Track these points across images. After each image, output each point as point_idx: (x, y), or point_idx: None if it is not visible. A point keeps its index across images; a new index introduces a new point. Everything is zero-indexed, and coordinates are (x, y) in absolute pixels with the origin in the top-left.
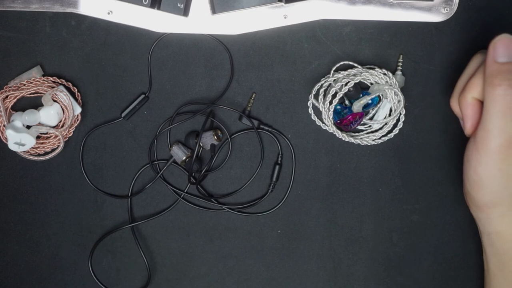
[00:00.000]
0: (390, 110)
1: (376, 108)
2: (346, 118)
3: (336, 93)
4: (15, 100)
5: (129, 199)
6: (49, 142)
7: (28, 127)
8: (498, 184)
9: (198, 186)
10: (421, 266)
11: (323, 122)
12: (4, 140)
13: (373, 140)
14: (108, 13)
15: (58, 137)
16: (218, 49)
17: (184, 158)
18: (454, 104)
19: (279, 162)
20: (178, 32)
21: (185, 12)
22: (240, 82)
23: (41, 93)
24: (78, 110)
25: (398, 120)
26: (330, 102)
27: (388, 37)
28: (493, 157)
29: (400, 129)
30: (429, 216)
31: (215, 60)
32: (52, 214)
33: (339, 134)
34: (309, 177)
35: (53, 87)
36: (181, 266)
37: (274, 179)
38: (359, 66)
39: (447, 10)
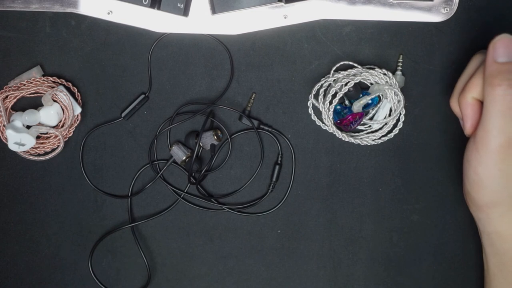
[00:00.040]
0: (390, 110)
1: (376, 108)
2: (346, 118)
3: (336, 93)
4: (15, 100)
5: (129, 199)
6: (49, 142)
7: (28, 127)
8: (498, 184)
9: (198, 186)
10: (421, 266)
11: (323, 122)
12: (4, 140)
13: (373, 140)
14: (108, 13)
15: (58, 137)
16: (218, 49)
17: (184, 158)
18: (454, 104)
19: (279, 162)
20: (178, 32)
21: (185, 12)
22: (240, 82)
23: (41, 93)
24: (78, 110)
25: (398, 120)
26: (330, 102)
27: (388, 37)
28: (493, 157)
29: (400, 129)
30: (429, 216)
31: (215, 60)
32: (52, 214)
33: (339, 134)
34: (309, 177)
35: (53, 87)
36: (181, 266)
37: (274, 179)
38: (359, 66)
39: (447, 10)
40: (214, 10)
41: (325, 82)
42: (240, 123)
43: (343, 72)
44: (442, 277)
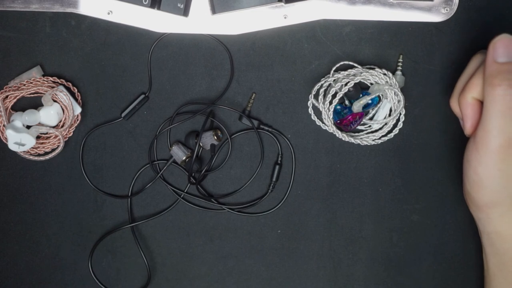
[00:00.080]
0: (390, 110)
1: (376, 108)
2: (346, 118)
3: (336, 93)
4: (15, 100)
5: (129, 199)
6: (49, 142)
7: (28, 127)
8: (498, 184)
9: (198, 186)
10: (421, 266)
11: (323, 122)
12: (4, 140)
13: (373, 140)
14: (108, 13)
15: (58, 137)
16: (218, 49)
17: (184, 158)
18: (454, 104)
19: (279, 162)
20: (178, 32)
21: (185, 12)
22: (240, 82)
23: (41, 93)
24: (78, 110)
25: (398, 120)
26: (330, 102)
27: (388, 37)
28: (493, 157)
29: (400, 129)
30: (429, 216)
31: (215, 60)
32: (52, 214)
33: (339, 134)
34: (309, 177)
35: (53, 87)
36: (181, 266)
37: (274, 179)
38: (359, 66)
39: (447, 10)
40: (214, 10)
41: (325, 82)
42: (240, 123)
43: (343, 72)
44: (442, 277)
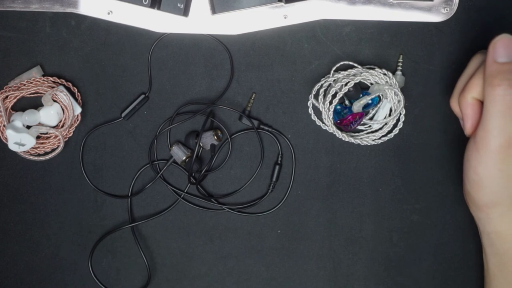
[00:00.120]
0: (390, 110)
1: (376, 108)
2: (346, 118)
3: (336, 93)
4: (15, 100)
5: (129, 199)
6: (49, 142)
7: (28, 127)
8: (498, 184)
9: (198, 186)
10: (421, 266)
11: (323, 122)
12: (4, 140)
13: (373, 140)
14: (108, 13)
15: (58, 137)
16: (218, 49)
17: (184, 158)
18: (454, 104)
19: (279, 162)
20: (178, 32)
21: (185, 12)
22: (240, 82)
23: (41, 93)
24: (78, 110)
25: (398, 120)
26: (330, 102)
27: (388, 37)
28: (493, 157)
29: (400, 129)
30: (429, 216)
31: (215, 60)
32: (52, 214)
33: (339, 134)
34: (309, 177)
35: (53, 87)
36: (181, 266)
37: (274, 179)
38: (359, 66)
39: (447, 10)
40: (214, 10)
41: (325, 82)
42: (240, 123)
43: (343, 72)
44: (442, 277)
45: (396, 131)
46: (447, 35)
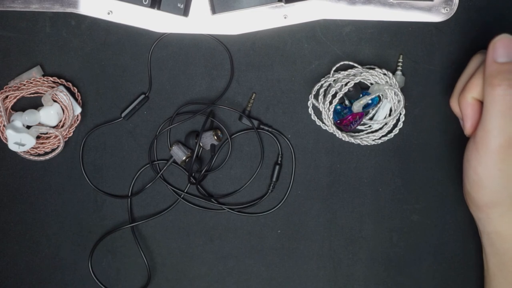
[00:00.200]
0: (390, 110)
1: (376, 108)
2: (346, 118)
3: (336, 93)
4: (15, 100)
5: (129, 199)
6: (49, 142)
7: (28, 127)
8: (498, 184)
9: (198, 186)
10: (421, 266)
11: (323, 122)
12: (4, 140)
13: (373, 140)
14: (108, 13)
15: (58, 137)
16: (218, 49)
17: (184, 158)
18: (454, 104)
19: (279, 162)
20: (178, 32)
21: (185, 12)
22: (240, 82)
23: (41, 93)
24: (78, 110)
25: (398, 120)
26: (330, 102)
27: (388, 37)
28: (493, 157)
29: (400, 129)
30: (429, 216)
31: (215, 60)
32: (52, 214)
33: (339, 134)
34: (309, 177)
35: (53, 87)
36: (181, 266)
37: (274, 179)
38: (359, 66)
39: (447, 10)
40: (214, 10)
41: (325, 82)
42: (240, 123)
43: (343, 72)
44: (442, 277)
45: (396, 131)
46: (447, 35)
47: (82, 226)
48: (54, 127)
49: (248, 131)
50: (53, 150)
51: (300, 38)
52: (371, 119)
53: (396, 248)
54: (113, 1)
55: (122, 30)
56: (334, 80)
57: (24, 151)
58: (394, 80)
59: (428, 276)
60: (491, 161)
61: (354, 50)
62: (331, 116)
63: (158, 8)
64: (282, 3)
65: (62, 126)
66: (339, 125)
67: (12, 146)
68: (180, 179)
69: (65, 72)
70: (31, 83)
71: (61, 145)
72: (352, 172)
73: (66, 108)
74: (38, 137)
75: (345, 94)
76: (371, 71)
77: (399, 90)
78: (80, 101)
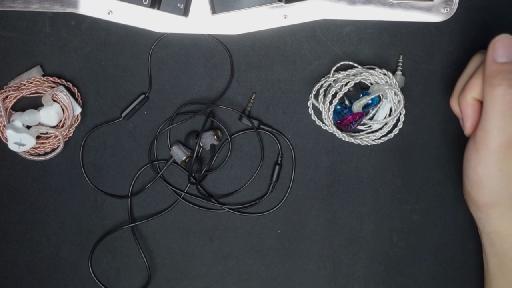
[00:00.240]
0: (390, 110)
1: (376, 108)
2: (346, 118)
3: (336, 93)
4: (15, 100)
5: (129, 199)
6: (49, 142)
7: (28, 127)
8: (498, 184)
9: (198, 186)
10: (421, 266)
11: (323, 122)
12: (4, 140)
13: (373, 140)
14: (108, 13)
15: (58, 137)
16: (218, 49)
17: (184, 158)
18: (454, 104)
19: (279, 162)
20: (178, 32)
21: (185, 12)
22: (240, 82)
23: (41, 93)
24: (78, 110)
25: (398, 120)
26: (330, 102)
27: (388, 37)
28: (492, 157)
29: (400, 129)
30: (429, 216)
31: (215, 60)
32: (52, 214)
33: (339, 134)
34: (309, 177)
35: (53, 87)
36: (181, 266)
37: (274, 179)
38: (359, 66)
39: (447, 10)
40: (214, 10)
41: (325, 82)
42: (240, 123)
43: (343, 72)
44: (442, 277)
45: (396, 131)
46: (447, 35)
47: (82, 226)
48: (54, 127)
49: (248, 131)
50: (53, 150)
51: (300, 38)
52: (371, 119)
53: (396, 248)
54: (113, 1)
55: (122, 30)
56: (334, 80)
57: (24, 151)
58: (394, 80)
59: (428, 276)
60: (491, 161)
61: (354, 50)
62: (331, 116)
63: (158, 8)
64: (282, 3)
65: (62, 126)
66: (339, 125)
67: (12, 146)
68: (180, 179)
69: (65, 72)
70: (31, 83)
71: (61, 145)
72: (352, 172)
73: (66, 108)
74: (38, 137)
75: (345, 94)
76: (371, 71)
77: (399, 90)
78: (80, 101)
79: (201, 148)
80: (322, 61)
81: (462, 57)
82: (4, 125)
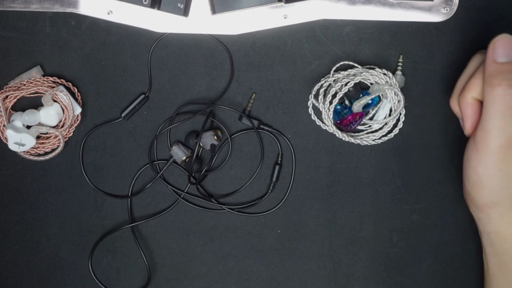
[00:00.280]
0: (390, 110)
1: (376, 108)
2: (346, 118)
3: (336, 93)
4: (15, 100)
5: (129, 199)
6: (49, 142)
7: (28, 127)
8: (497, 184)
9: (198, 186)
10: (421, 266)
11: (323, 122)
12: (4, 140)
13: (373, 140)
14: (108, 13)
15: (58, 137)
16: (218, 49)
17: (184, 158)
18: (453, 104)
19: (279, 162)
20: (178, 32)
21: (185, 12)
22: (240, 82)
23: (41, 93)
24: (78, 110)
25: (398, 120)
26: (330, 102)
27: (388, 37)
28: (492, 157)
29: (400, 129)
30: (429, 216)
31: (215, 60)
32: (52, 214)
33: (339, 134)
34: (309, 177)
35: (53, 87)
36: (181, 266)
37: (274, 179)
38: (359, 66)
39: (447, 10)
40: (214, 10)
41: (325, 82)
42: (240, 123)
43: (343, 72)
44: (442, 277)
45: (396, 131)
46: (447, 35)
47: (82, 226)
48: (54, 127)
49: (248, 131)
50: (53, 150)
51: (300, 38)
52: (371, 119)
53: (396, 248)
54: (113, 1)
55: (122, 30)
56: (334, 80)
57: (24, 151)
58: (394, 80)
59: (428, 276)
60: (491, 161)
61: (354, 50)
62: (331, 116)
63: (158, 8)
64: (282, 3)
65: (62, 126)
66: (339, 125)
67: (12, 146)
68: (180, 179)
69: (65, 72)
70: (31, 83)
71: (61, 145)
72: (352, 172)
73: (66, 108)
74: (38, 137)
75: (345, 94)
76: (371, 71)
77: (399, 90)
78: (80, 101)
79: (201, 148)
80: (322, 61)
81: (462, 57)
82: (4, 125)
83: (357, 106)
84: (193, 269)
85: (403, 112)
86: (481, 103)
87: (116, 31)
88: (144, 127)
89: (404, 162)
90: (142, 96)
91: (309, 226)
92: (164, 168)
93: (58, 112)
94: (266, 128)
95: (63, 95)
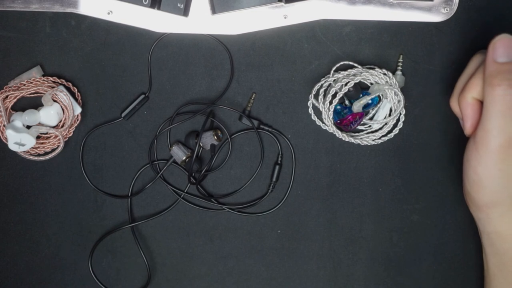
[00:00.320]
0: (390, 110)
1: (376, 108)
2: (346, 118)
3: (336, 93)
4: (15, 100)
5: (129, 199)
6: (49, 142)
7: (28, 127)
8: (498, 184)
9: (198, 186)
10: (421, 266)
11: (323, 122)
12: (4, 140)
13: (373, 140)
14: (108, 13)
15: (58, 137)
16: (218, 49)
17: (184, 158)
18: (454, 104)
19: (279, 162)
20: (178, 32)
21: (185, 12)
22: (240, 82)
23: (41, 93)
24: (78, 110)
25: (398, 120)
26: (330, 102)
27: (388, 37)
28: (492, 157)
29: (400, 129)
30: (429, 216)
31: (215, 60)
32: (52, 214)
33: (339, 134)
34: (309, 177)
35: (53, 87)
36: (181, 266)
37: (274, 179)
38: (359, 66)
39: (447, 10)
40: (214, 10)
41: (325, 82)
42: (240, 123)
43: (343, 72)
44: (442, 277)
45: (396, 131)
46: (447, 35)
47: (82, 226)
48: (54, 127)
49: (248, 131)
50: (53, 150)
51: (300, 38)
52: (371, 119)
53: (396, 248)
54: (113, 1)
55: (122, 30)
56: (334, 80)
57: (24, 151)
58: (394, 80)
59: (428, 276)
60: (491, 161)
61: (354, 50)
62: (331, 116)
63: (158, 8)
64: (282, 3)
65: (62, 126)
66: (339, 125)
67: (12, 146)
68: (180, 179)
69: (65, 72)
70: (31, 83)
71: (61, 145)
72: (352, 172)
73: (66, 108)
74: (38, 137)
75: (345, 94)
76: (371, 71)
77: (399, 90)
78: (80, 101)
79: (201, 148)
80: (322, 61)
81: (462, 57)
82: (4, 125)
83: (357, 106)
84: (193, 269)
85: (403, 112)
86: (481, 103)
87: (116, 31)
88: (144, 127)
89: (404, 162)
90: (142, 96)
91: (309, 226)
92: (164, 168)
93: (58, 112)
94: (266, 128)
95: (63, 95)
